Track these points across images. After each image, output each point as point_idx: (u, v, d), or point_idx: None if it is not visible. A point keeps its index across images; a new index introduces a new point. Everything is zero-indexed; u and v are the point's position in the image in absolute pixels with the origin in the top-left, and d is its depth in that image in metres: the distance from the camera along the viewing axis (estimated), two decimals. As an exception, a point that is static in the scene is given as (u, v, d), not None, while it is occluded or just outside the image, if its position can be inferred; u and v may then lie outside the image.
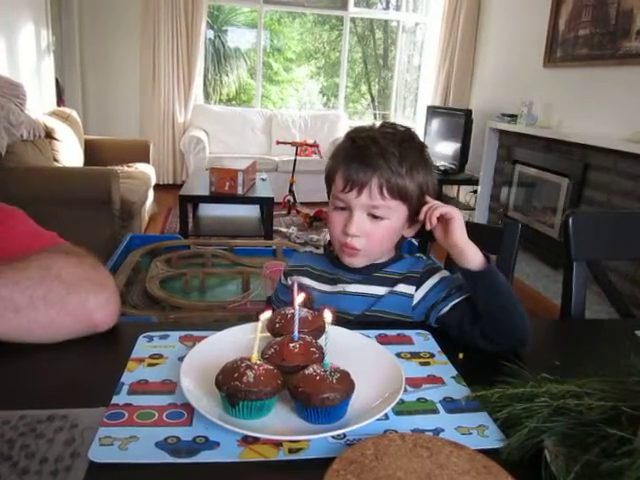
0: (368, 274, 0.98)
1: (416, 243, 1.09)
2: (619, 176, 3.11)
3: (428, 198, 0.93)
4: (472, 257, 0.86)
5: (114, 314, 0.84)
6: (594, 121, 3.54)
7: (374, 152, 0.90)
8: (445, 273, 0.97)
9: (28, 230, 0.91)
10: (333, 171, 0.95)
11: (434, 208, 0.88)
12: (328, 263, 1.03)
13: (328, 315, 0.69)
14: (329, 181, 0.98)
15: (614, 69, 3.43)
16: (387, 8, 7.26)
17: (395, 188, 0.90)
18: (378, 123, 0.99)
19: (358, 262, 0.96)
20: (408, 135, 0.96)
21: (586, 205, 3.42)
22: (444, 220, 0.87)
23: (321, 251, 1.07)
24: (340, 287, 0.99)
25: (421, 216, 0.90)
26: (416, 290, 0.95)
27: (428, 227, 0.89)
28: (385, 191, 0.90)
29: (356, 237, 0.92)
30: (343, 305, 0.97)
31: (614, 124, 3.32)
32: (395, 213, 0.93)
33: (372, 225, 0.92)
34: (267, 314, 0.70)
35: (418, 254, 1.03)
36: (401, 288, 0.96)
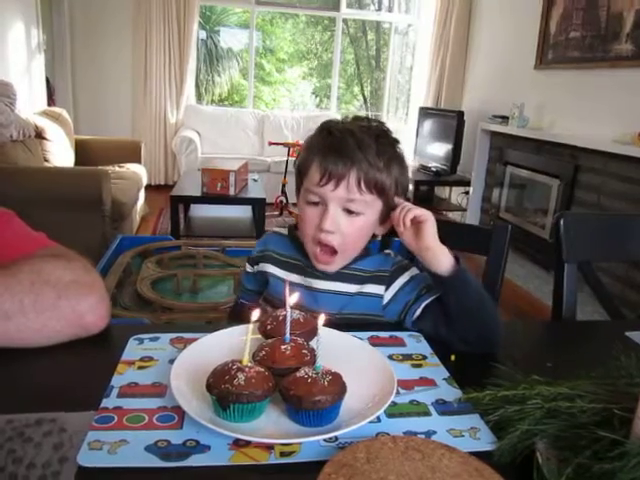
0: (337, 270, 0.95)
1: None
2: (609, 177, 3.13)
3: (398, 200, 0.90)
4: (442, 261, 0.85)
5: (105, 316, 0.83)
6: (585, 123, 3.56)
7: (351, 144, 0.87)
8: (414, 271, 0.96)
9: (18, 231, 0.90)
10: (307, 163, 0.91)
11: (407, 210, 0.86)
12: (292, 248, 0.99)
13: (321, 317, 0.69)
14: (301, 174, 0.94)
15: (605, 71, 3.45)
16: (379, 9, 7.28)
17: (372, 182, 0.88)
18: (350, 116, 0.96)
19: (332, 268, 0.94)
20: (382, 130, 0.94)
21: (577, 206, 3.44)
22: (416, 222, 0.86)
23: (286, 231, 1.03)
24: (308, 282, 0.97)
25: (394, 220, 0.87)
26: (386, 290, 0.94)
27: (401, 229, 0.86)
28: (363, 184, 0.87)
29: (331, 234, 0.89)
30: (311, 303, 0.94)
31: (604, 126, 3.34)
32: (370, 208, 0.90)
33: (347, 221, 0.89)
34: (256, 312, 0.69)
35: (387, 251, 1.00)
36: (370, 288, 0.95)
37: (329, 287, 0.95)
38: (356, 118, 0.95)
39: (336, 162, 0.87)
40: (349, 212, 0.89)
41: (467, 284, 0.85)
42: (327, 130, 0.92)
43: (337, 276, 0.95)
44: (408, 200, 0.93)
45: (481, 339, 0.85)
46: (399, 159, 0.93)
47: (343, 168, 0.86)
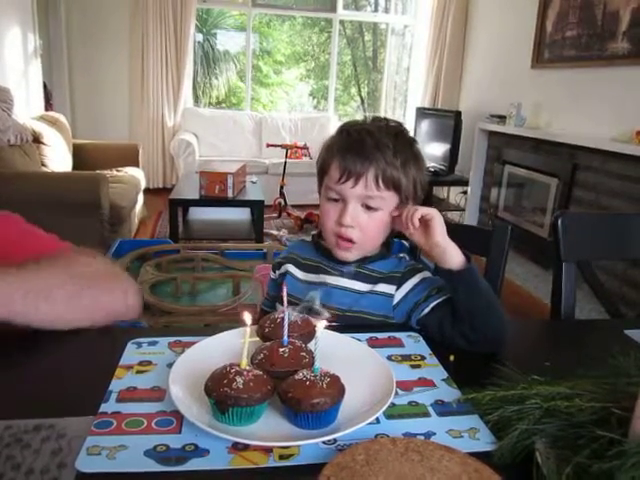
0: (352, 269, 0.98)
1: (407, 245, 1.08)
2: (607, 176, 3.13)
3: (406, 205, 0.93)
4: (453, 256, 0.87)
5: (139, 306, 0.94)
6: (582, 121, 3.57)
7: (369, 144, 0.91)
8: (426, 274, 0.98)
9: (32, 231, 0.95)
10: (327, 162, 0.95)
11: (414, 211, 0.88)
12: (315, 252, 1.04)
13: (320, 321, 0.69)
14: (322, 173, 0.98)
15: (601, 70, 3.46)
16: (376, 11, 7.28)
17: (390, 179, 0.91)
18: (370, 116, 1.00)
19: (352, 256, 0.97)
20: (400, 130, 0.98)
21: (575, 205, 3.44)
22: (424, 221, 0.88)
23: (310, 238, 1.07)
24: (322, 278, 0.99)
25: (403, 224, 0.90)
26: (397, 290, 0.96)
27: (411, 230, 0.89)
28: (381, 182, 0.91)
29: (350, 228, 0.93)
30: (323, 298, 0.95)
31: (602, 124, 3.34)
32: (388, 204, 0.94)
33: (366, 216, 0.93)
34: (248, 316, 0.69)
35: (401, 254, 1.02)
36: (382, 288, 0.96)
37: (344, 284, 0.98)
38: (375, 119, 0.99)
39: (354, 161, 0.91)
40: (368, 208, 0.93)
41: (477, 281, 0.86)
42: (346, 131, 0.96)
43: (353, 275, 0.98)
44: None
45: (486, 339, 0.85)
46: (416, 157, 0.97)
47: (361, 167, 0.90)
